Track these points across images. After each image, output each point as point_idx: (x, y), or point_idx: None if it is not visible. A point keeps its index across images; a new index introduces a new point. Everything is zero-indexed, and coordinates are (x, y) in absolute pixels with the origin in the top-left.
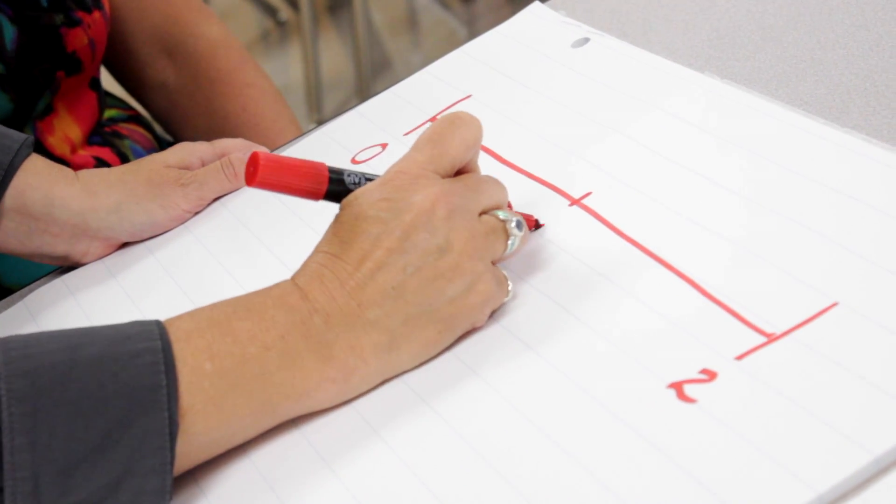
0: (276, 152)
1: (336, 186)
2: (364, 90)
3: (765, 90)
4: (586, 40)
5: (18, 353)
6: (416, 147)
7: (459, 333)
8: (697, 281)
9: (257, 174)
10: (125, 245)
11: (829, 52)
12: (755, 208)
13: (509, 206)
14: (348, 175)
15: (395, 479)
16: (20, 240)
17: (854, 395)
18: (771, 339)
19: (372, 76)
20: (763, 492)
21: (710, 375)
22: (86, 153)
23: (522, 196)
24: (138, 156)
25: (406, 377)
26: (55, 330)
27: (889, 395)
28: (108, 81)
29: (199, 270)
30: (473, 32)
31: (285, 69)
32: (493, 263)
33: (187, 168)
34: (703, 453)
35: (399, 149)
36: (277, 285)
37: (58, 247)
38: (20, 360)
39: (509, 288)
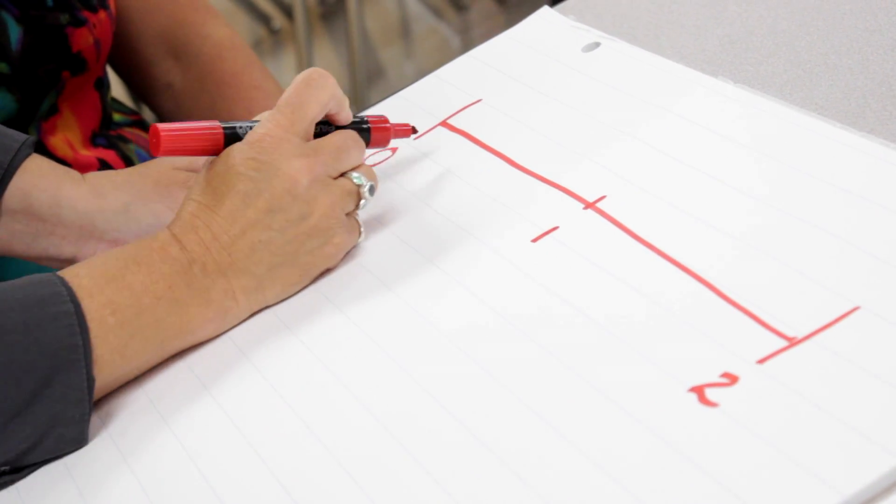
0: None
1: (233, 141)
2: (358, 98)
3: (779, 95)
4: (597, 45)
5: None
6: (278, 109)
7: (316, 275)
8: (716, 285)
9: (160, 144)
10: None
11: (844, 57)
12: (772, 212)
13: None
14: (240, 128)
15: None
16: (27, 242)
17: (879, 398)
18: (792, 342)
19: (367, 84)
20: (789, 495)
21: (731, 379)
22: (90, 154)
23: (535, 200)
24: (143, 160)
25: (273, 308)
26: None
27: None
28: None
29: None
30: (466, 41)
31: (279, 77)
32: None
33: (195, 171)
34: (726, 456)
35: (409, 152)
36: (156, 237)
37: (65, 249)
38: None
39: (360, 230)
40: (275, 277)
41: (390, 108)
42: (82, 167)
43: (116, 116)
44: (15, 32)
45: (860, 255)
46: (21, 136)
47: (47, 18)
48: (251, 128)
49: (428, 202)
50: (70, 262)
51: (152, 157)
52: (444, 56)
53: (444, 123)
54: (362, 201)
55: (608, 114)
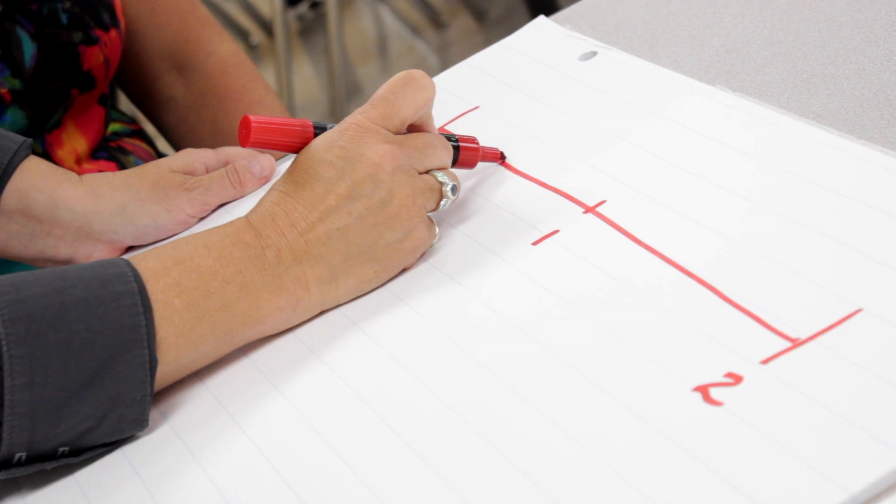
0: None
1: None
2: (337, 114)
3: (776, 104)
4: (594, 53)
5: (10, 297)
6: (371, 102)
7: (393, 273)
8: (718, 287)
9: (250, 135)
10: (129, 249)
11: (841, 67)
12: (772, 216)
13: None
14: (330, 127)
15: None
16: (24, 243)
17: (883, 397)
18: (796, 343)
19: (345, 101)
20: (795, 492)
21: (735, 379)
22: (91, 167)
23: (535, 204)
24: None
25: (343, 308)
26: (36, 271)
27: None
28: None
29: None
30: (444, 59)
31: None
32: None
33: (191, 173)
34: (733, 454)
35: None
36: (232, 223)
37: (61, 250)
38: (14, 305)
39: (436, 231)
40: (349, 269)
41: None
42: None
43: (116, 126)
44: (29, 49)
45: (861, 258)
46: (19, 138)
47: (61, 36)
48: None
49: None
50: (66, 263)
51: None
52: None
53: (442, 130)
54: (443, 200)
55: (606, 121)
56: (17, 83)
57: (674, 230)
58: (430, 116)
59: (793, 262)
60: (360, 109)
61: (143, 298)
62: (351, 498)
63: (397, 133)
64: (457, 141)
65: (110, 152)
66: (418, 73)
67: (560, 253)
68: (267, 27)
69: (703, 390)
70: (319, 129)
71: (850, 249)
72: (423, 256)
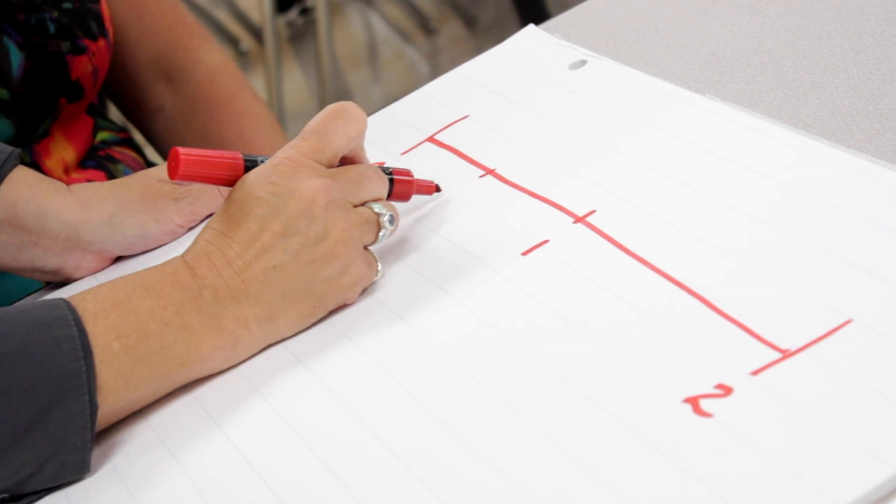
0: None
1: None
2: None
3: (766, 113)
4: (583, 62)
5: None
6: (303, 136)
7: (331, 308)
8: (708, 298)
9: (179, 168)
10: (118, 260)
11: (830, 76)
12: (761, 226)
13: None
14: (261, 160)
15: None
16: (11, 254)
17: (872, 409)
18: (786, 354)
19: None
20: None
21: (725, 390)
22: (80, 176)
23: (524, 214)
24: None
25: (287, 343)
26: None
27: None
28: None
29: None
30: (434, 66)
31: None
32: (365, 248)
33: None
34: (722, 466)
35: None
36: (169, 262)
37: (49, 260)
38: None
39: (378, 268)
40: (288, 306)
41: (378, 124)
42: None
43: (105, 135)
44: (16, 59)
45: (850, 268)
46: (7, 149)
47: (49, 46)
48: None
49: (416, 217)
50: (54, 273)
51: None
52: (412, 80)
53: (431, 139)
54: (382, 231)
55: (595, 130)
56: (4, 93)
57: (663, 240)
58: (362, 148)
59: (783, 273)
60: (291, 143)
61: (83, 343)
62: None
63: (330, 166)
64: (391, 173)
65: (99, 161)
66: (349, 105)
67: (550, 263)
68: (257, 33)
69: (693, 402)
70: (251, 163)
71: (839, 259)
72: (408, 267)
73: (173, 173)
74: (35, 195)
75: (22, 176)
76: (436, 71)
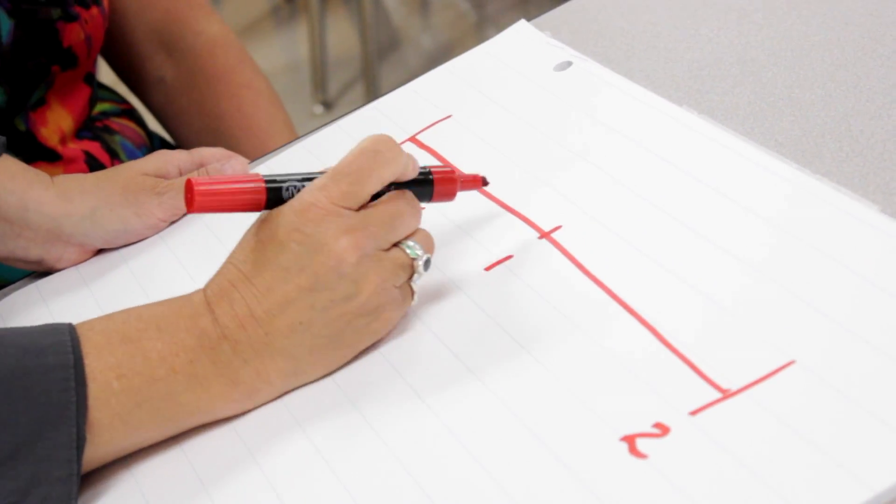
0: (260, 161)
1: (276, 202)
2: (369, 71)
3: (740, 127)
4: (569, 64)
5: None
6: (334, 177)
7: (362, 348)
8: (658, 329)
9: (194, 202)
10: (101, 251)
11: (807, 92)
12: (724, 256)
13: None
14: (286, 189)
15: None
16: None
17: (801, 460)
18: (726, 395)
19: (378, 57)
20: None
21: (663, 430)
22: (75, 147)
23: (492, 226)
24: (128, 152)
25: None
26: None
27: (835, 462)
28: (104, 74)
29: (169, 282)
30: (482, 16)
31: (294, 46)
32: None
33: (164, 177)
34: None
35: None
36: (189, 301)
37: (31, 251)
38: None
39: (414, 295)
40: (316, 359)
41: (362, 120)
42: (69, 159)
43: (105, 106)
44: (6, 25)
45: (802, 306)
46: None
47: (39, 13)
48: (297, 189)
49: None
50: (37, 263)
51: (137, 151)
52: (460, 31)
53: (413, 139)
54: (415, 276)
55: (572, 138)
56: None
57: (623, 263)
58: (409, 169)
59: (736, 308)
60: (321, 183)
61: (77, 373)
62: None
63: (359, 207)
64: (431, 174)
65: (95, 132)
66: (385, 146)
67: (510, 281)
68: None
69: (630, 441)
70: (273, 188)
71: (792, 295)
72: None
73: (189, 206)
74: (18, 186)
75: (5, 166)
76: (482, 22)
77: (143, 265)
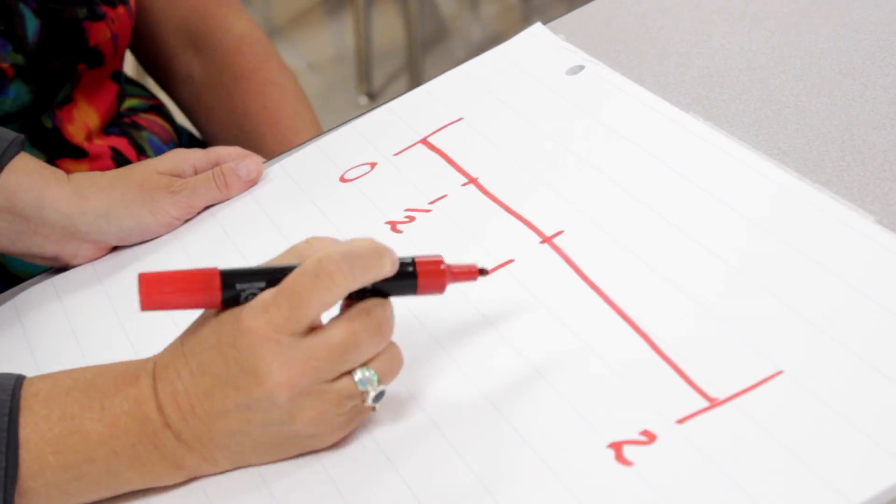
0: (279, 159)
1: (233, 304)
2: (413, 62)
3: (745, 135)
4: (581, 68)
5: None
6: (275, 300)
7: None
8: (651, 336)
9: (141, 300)
10: (115, 249)
11: (814, 100)
12: (720, 265)
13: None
14: (244, 297)
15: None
16: (11, 239)
17: (783, 471)
18: (713, 404)
19: (423, 49)
20: None
21: (649, 438)
22: (102, 143)
23: (495, 230)
24: (155, 148)
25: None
26: None
27: (817, 474)
28: (133, 69)
29: None
30: (530, 8)
31: (340, 37)
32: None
33: (179, 175)
34: None
35: (387, 169)
36: (137, 381)
37: (47, 248)
38: None
39: (373, 404)
40: (261, 456)
41: (376, 121)
42: (96, 155)
43: (134, 101)
44: (32, 25)
45: (792, 315)
46: (10, 135)
47: (65, 12)
48: (254, 294)
49: (395, 223)
50: (53, 259)
51: (165, 147)
52: (508, 21)
53: (423, 141)
54: (366, 403)
55: (580, 144)
56: (19, 58)
57: (622, 270)
58: (379, 273)
59: (730, 317)
60: (261, 303)
61: (9, 439)
62: None
63: (304, 332)
64: (415, 265)
65: (123, 128)
66: (332, 265)
67: (510, 285)
68: None
69: (617, 448)
70: (229, 296)
71: (782, 304)
72: None
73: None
74: (34, 184)
75: (23, 164)
76: (530, 14)
77: (156, 263)
